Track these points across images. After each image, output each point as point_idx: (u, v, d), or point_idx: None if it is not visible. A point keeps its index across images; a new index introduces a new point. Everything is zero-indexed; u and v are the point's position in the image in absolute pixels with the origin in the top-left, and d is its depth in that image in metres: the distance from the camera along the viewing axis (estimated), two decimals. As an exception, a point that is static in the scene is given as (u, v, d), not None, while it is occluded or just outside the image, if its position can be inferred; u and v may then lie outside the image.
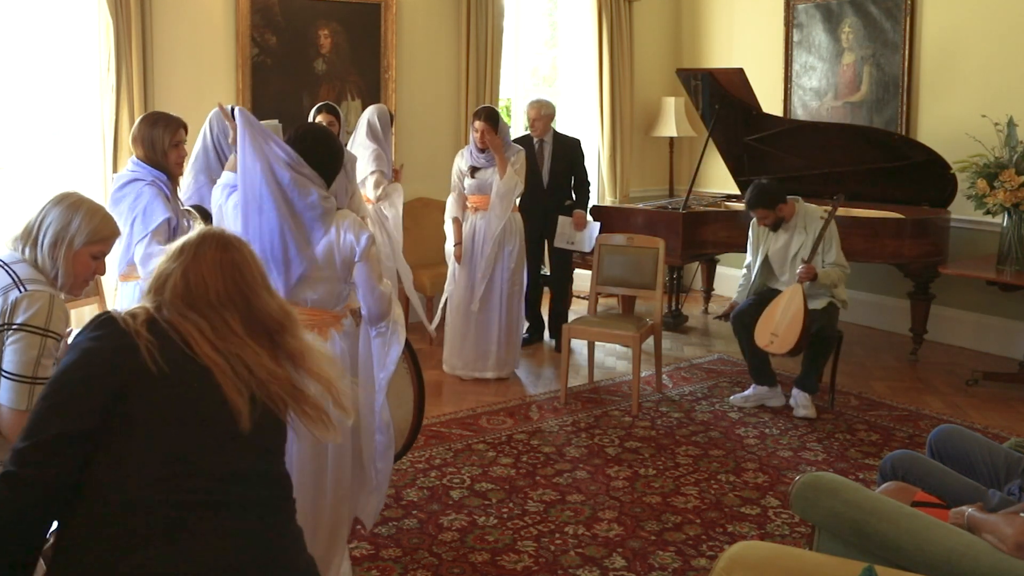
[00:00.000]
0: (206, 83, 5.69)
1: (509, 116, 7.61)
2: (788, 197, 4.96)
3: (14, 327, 2.24)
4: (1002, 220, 5.29)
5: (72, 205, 2.44)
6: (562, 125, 7.57)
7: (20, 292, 2.28)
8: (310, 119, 4.96)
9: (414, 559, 3.27)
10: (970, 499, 2.46)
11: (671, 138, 7.70)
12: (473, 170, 5.36)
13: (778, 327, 4.72)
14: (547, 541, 3.43)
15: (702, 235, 5.97)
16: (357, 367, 2.95)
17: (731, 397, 5.04)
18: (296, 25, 5.98)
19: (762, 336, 4.78)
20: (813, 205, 5.04)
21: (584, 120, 7.52)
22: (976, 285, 5.82)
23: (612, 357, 5.92)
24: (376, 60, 6.33)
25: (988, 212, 5.24)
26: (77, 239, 2.40)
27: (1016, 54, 5.77)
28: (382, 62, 6.34)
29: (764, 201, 4.87)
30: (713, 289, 7.33)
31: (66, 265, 2.41)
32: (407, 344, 3.11)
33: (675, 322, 6.66)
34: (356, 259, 2.78)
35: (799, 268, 4.76)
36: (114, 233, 2.52)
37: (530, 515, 3.64)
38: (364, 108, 6.29)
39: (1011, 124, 5.26)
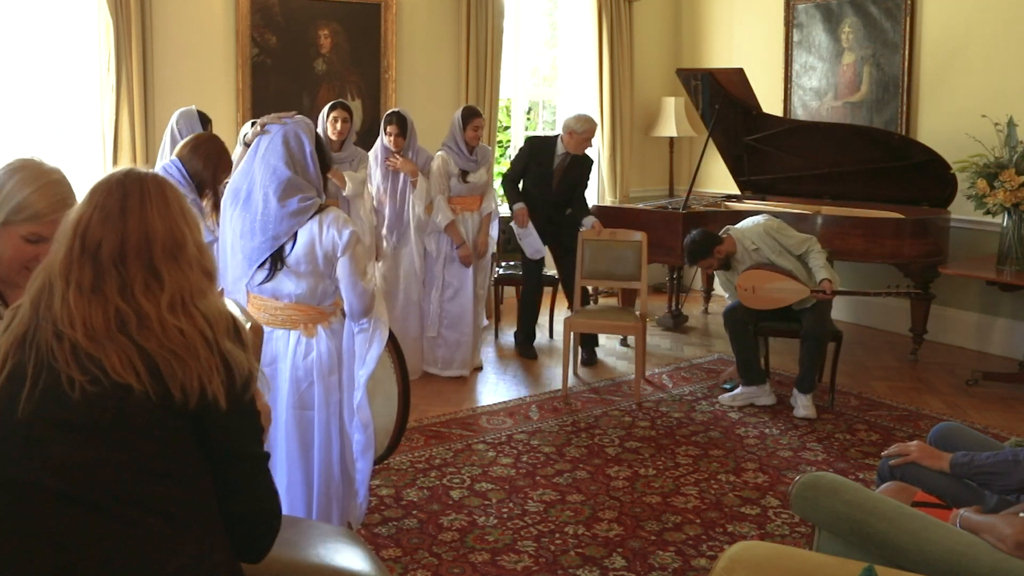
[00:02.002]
0: (206, 83, 5.70)
1: (509, 116, 7.62)
2: (720, 234, 4.97)
3: None
4: (1002, 220, 5.28)
5: (8, 171, 1.91)
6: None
7: None
8: (323, 116, 5.00)
9: (414, 559, 3.27)
10: (969, 499, 2.46)
11: (671, 138, 7.70)
12: (464, 174, 5.39)
13: (762, 290, 4.82)
14: (547, 541, 3.43)
15: (702, 235, 5.96)
16: (342, 365, 2.95)
17: (720, 396, 5.05)
18: (296, 25, 5.98)
19: (746, 280, 4.86)
20: (746, 223, 5.03)
21: (584, 120, 7.51)
22: (976, 285, 5.82)
23: (612, 357, 5.92)
24: (376, 60, 6.33)
25: (988, 212, 5.24)
26: None
27: (1016, 54, 5.77)
28: (382, 62, 6.34)
29: (701, 252, 4.90)
30: (713, 289, 7.32)
31: None
32: (394, 342, 3.11)
33: (675, 322, 6.66)
34: (339, 254, 2.80)
35: (820, 284, 4.76)
36: (52, 208, 1.89)
37: (530, 515, 3.64)
38: (364, 108, 6.33)
39: (1011, 124, 5.26)
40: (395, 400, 3.10)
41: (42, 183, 1.91)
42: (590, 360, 5.75)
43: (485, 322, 5.59)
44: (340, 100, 5.16)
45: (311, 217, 2.79)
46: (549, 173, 5.73)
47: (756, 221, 5.00)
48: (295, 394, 2.88)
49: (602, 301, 6.88)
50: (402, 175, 5.25)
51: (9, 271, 1.90)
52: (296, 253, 2.81)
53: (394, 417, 3.10)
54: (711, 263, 4.95)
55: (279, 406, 2.88)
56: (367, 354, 2.93)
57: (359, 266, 2.86)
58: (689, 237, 5.00)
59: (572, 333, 5.24)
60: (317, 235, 2.78)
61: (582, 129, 5.63)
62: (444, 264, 5.40)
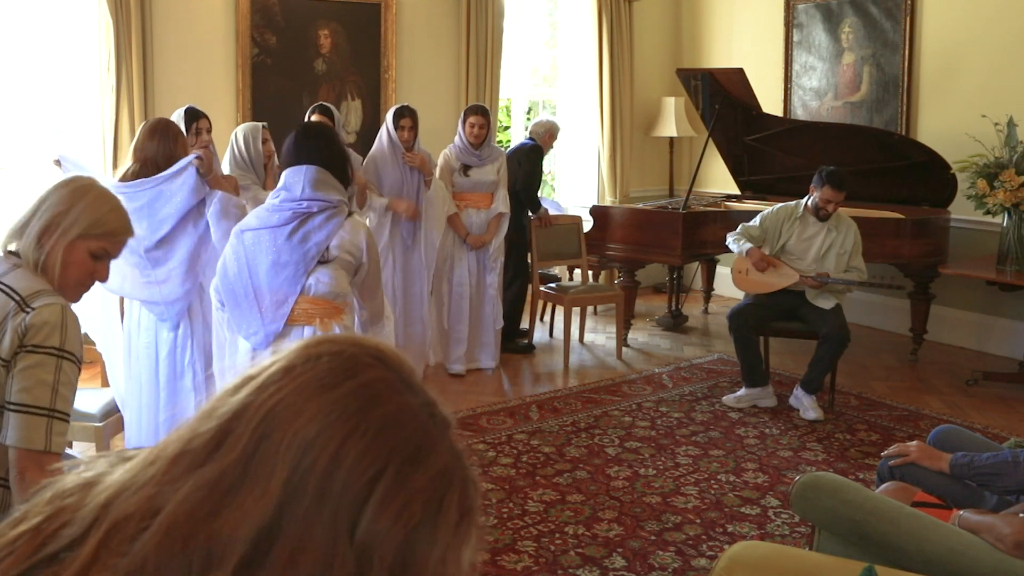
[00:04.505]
0: (206, 83, 5.69)
1: (509, 116, 7.62)
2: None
3: (25, 349, 1.83)
4: (1002, 220, 5.28)
5: (78, 190, 2.00)
6: (562, 125, 7.59)
7: (28, 314, 1.85)
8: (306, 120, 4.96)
9: (414, 559, 3.27)
10: (969, 499, 2.46)
11: (671, 138, 7.70)
12: (466, 168, 5.45)
13: (755, 274, 4.92)
14: (547, 541, 3.43)
15: (702, 235, 5.97)
16: None
17: (724, 397, 5.05)
18: (296, 25, 5.98)
19: (741, 263, 4.96)
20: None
21: (584, 120, 7.52)
22: (976, 285, 5.82)
23: (611, 357, 5.92)
24: (376, 60, 6.33)
25: (988, 212, 5.23)
26: (74, 227, 1.95)
27: (1016, 54, 5.77)
28: (382, 62, 6.34)
29: (846, 184, 4.81)
30: (713, 289, 7.32)
31: (55, 257, 1.94)
32: None
33: (675, 322, 6.66)
34: (363, 259, 2.83)
35: (813, 274, 4.78)
36: (124, 229, 2.05)
37: (530, 515, 3.64)
38: (364, 108, 6.33)
39: (1011, 124, 5.26)
40: None
41: (116, 204, 2.04)
42: (528, 347, 6.06)
43: (501, 322, 5.61)
44: (322, 103, 4.99)
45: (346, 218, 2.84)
46: (541, 174, 6.12)
47: (851, 220, 4.97)
48: None
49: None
50: (416, 175, 5.19)
51: (66, 285, 1.96)
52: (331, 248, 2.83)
53: None
54: (834, 199, 4.79)
55: None
56: None
57: (378, 276, 2.91)
58: (834, 167, 4.86)
59: (573, 308, 5.86)
60: (348, 239, 2.82)
61: (558, 129, 6.23)
62: (454, 263, 5.44)
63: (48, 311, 1.85)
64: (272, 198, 2.89)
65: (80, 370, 1.91)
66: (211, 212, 3.33)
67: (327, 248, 2.77)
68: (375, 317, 2.94)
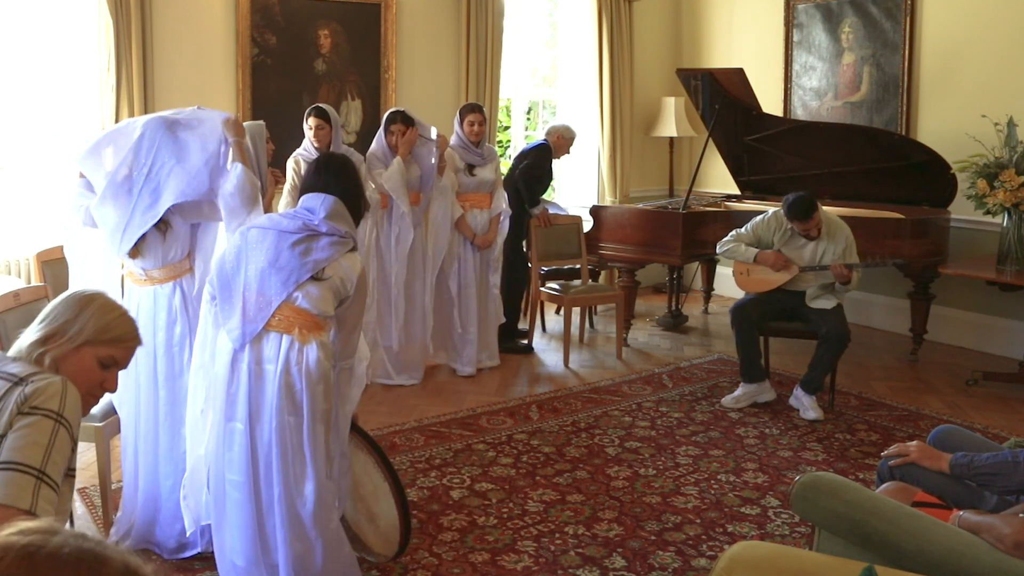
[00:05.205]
0: (206, 83, 5.69)
1: (509, 116, 7.62)
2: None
3: (22, 411, 1.76)
4: (1002, 220, 5.28)
5: (83, 299, 1.99)
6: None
7: (25, 387, 1.80)
8: (304, 122, 4.96)
9: (414, 559, 3.27)
10: (969, 499, 2.46)
11: (671, 138, 7.70)
12: (471, 167, 5.46)
13: (756, 272, 4.96)
14: (547, 541, 3.43)
15: (702, 235, 5.97)
16: (330, 381, 2.88)
17: (723, 399, 5.04)
18: (296, 25, 5.98)
19: (742, 263, 5.00)
20: (828, 209, 5.05)
21: (584, 120, 7.52)
22: (976, 285, 5.82)
23: (611, 358, 5.92)
24: (376, 60, 6.33)
25: (988, 212, 5.23)
26: (81, 335, 1.93)
27: (1016, 54, 5.77)
28: (382, 62, 6.34)
29: (813, 209, 4.71)
30: (713, 289, 7.32)
31: (53, 357, 1.91)
32: (365, 435, 3.10)
33: (675, 322, 6.66)
34: (350, 291, 2.84)
35: (838, 268, 4.74)
36: (131, 336, 2.02)
37: (530, 515, 3.64)
38: (364, 108, 6.33)
39: (1011, 124, 5.26)
40: (388, 490, 3.07)
41: (123, 312, 2.02)
42: (528, 347, 6.05)
43: (503, 318, 5.66)
44: (318, 105, 5.00)
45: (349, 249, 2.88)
46: (550, 176, 6.19)
47: (842, 222, 4.92)
48: (286, 399, 2.79)
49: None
50: (416, 170, 5.23)
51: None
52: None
53: (394, 506, 3.06)
54: (816, 226, 4.76)
55: (265, 412, 2.82)
56: (350, 391, 2.99)
57: (361, 314, 2.96)
58: (797, 194, 4.78)
59: (572, 309, 5.88)
60: (345, 271, 2.85)
61: (572, 135, 6.21)
62: (460, 265, 5.46)
63: (49, 380, 1.82)
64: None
65: (74, 452, 1.83)
66: (226, 191, 3.14)
67: (322, 269, 2.80)
68: (346, 353, 2.95)
